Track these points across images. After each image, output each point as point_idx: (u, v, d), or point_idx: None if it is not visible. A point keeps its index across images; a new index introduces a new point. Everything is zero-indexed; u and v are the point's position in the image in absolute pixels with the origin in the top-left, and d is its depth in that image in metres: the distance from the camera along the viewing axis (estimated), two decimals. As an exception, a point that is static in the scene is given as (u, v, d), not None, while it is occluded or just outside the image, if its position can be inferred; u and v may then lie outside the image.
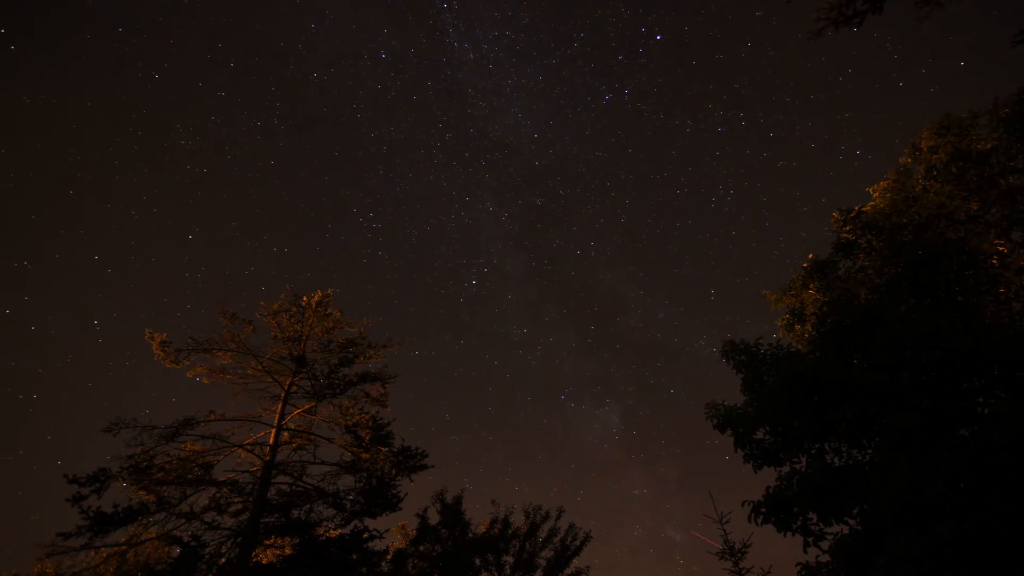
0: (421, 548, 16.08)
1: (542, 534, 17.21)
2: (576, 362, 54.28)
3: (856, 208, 9.81)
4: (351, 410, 13.80)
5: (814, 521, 7.05)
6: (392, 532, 17.85)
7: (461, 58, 48.52)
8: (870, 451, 7.36)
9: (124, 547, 11.45)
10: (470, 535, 16.52)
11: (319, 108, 50.50)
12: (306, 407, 13.74)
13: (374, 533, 12.42)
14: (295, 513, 12.46)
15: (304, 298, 14.02)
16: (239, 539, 11.51)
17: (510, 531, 17.04)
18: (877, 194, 10.04)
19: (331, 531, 12.45)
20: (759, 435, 7.99)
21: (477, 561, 16.12)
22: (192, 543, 10.91)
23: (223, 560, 11.23)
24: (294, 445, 13.79)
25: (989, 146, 8.87)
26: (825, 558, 6.96)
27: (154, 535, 11.47)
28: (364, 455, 13.23)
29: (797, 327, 9.99)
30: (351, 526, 12.54)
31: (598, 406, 49.48)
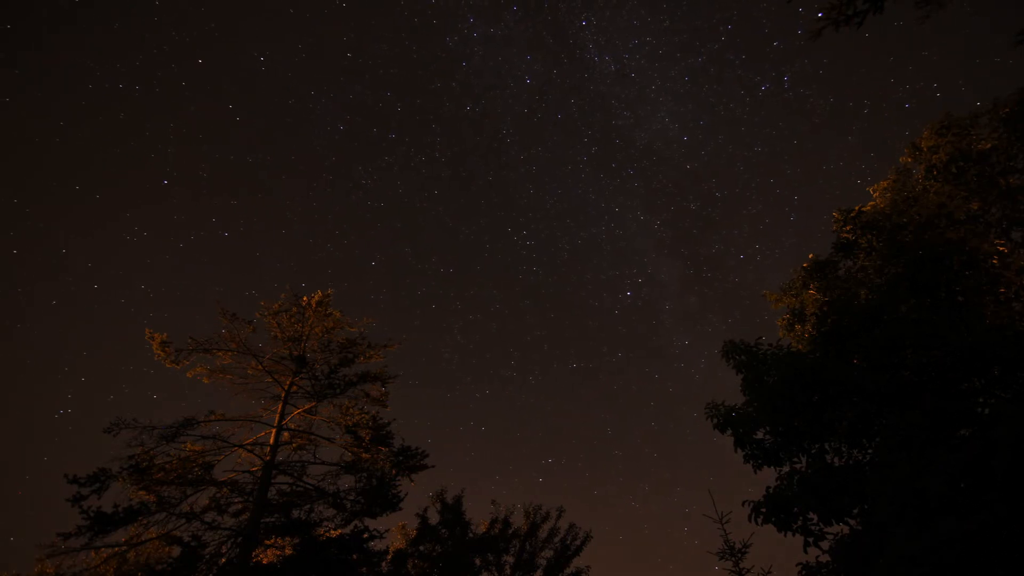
0: (421, 548, 16.08)
1: (542, 534, 17.20)
2: (741, 375, 52.58)
3: (856, 208, 9.81)
4: (351, 410, 13.80)
5: (814, 521, 7.05)
6: (392, 532, 17.87)
7: (602, 71, 48.74)
8: (870, 451, 7.37)
9: (124, 547, 11.45)
10: (470, 535, 16.52)
11: (473, 138, 54.05)
12: (306, 407, 13.74)
13: (374, 533, 12.42)
14: (295, 513, 12.46)
15: (304, 298, 14.02)
16: (239, 539, 11.51)
17: (510, 531, 17.04)
18: (877, 194, 10.04)
19: (331, 531, 12.45)
20: (759, 435, 7.99)
21: (477, 561, 16.12)
22: (192, 543, 10.91)
23: (223, 560, 11.23)
24: (294, 445, 13.79)
25: (989, 146, 8.87)
26: (825, 558, 6.97)
27: (154, 535, 11.47)
28: (364, 455, 13.23)
29: (797, 327, 9.99)
30: (351, 526, 12.55)
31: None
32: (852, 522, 6.92)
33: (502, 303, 48.88)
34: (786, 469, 7.63)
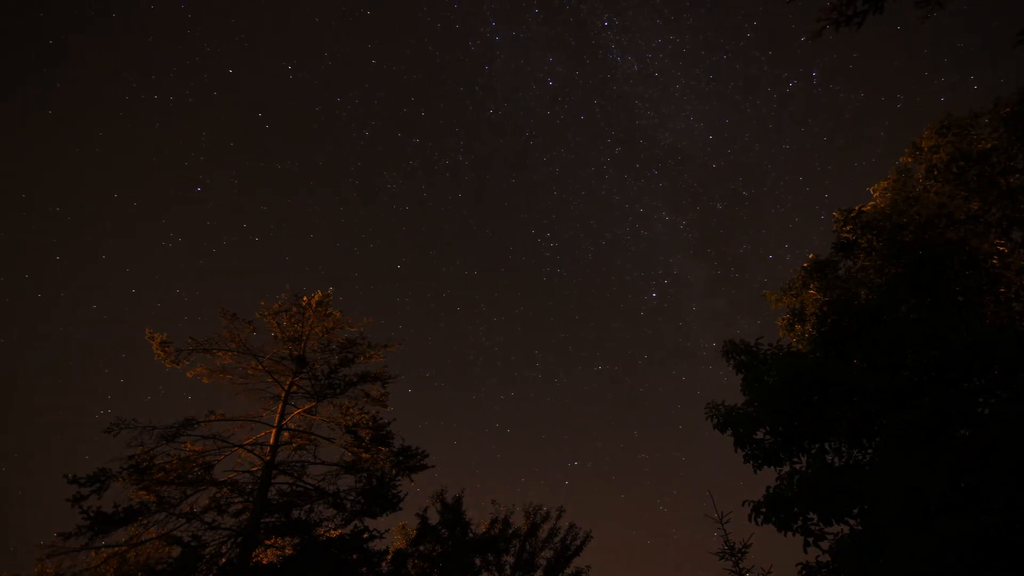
0: (421, 548, 16.07)
1: (542, 534, 17.20)
2: (772, 378, 51.96)
3: (856, 208, 9.81)
4: (351, 410, 13.80)
5: (814, 521, 7.04)
6: (392, 532, 17.86)
7: (625, 71, 48.69)
8: (870, 451, 7.37)
9: (124, 547, 11.46)
10: (470, 535, 16.51)
11: (496, 141, 54.69)
12: (306, 407, 13.75)
13: (374, 533, 12.41)
14: (295, 513, 12.46)
15: (304, 298, 14.02)
16: (239, 539, 11.51)
17: (510, 531, 17.03)
18: (877, 194, 10.04)
19: (331, 531, 12.45)
20: (759, 435, 7.99)
21: (477, 561, 16.12)
22: (192, 543, 10.91)
23: (223, 560, 11.23)
24: (294, 445, 13.79)
25: (990, 146, 8.86)
26: (825, 558, 6.96)
27: (154, 535, 11.47)
28: (364, 455, 13.23)
29: (797, 327, 9.99)
30: (351, 526, 12.55)
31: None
32: (852, 522, 6.91)
33: (526, 305, 49.58)
34: (786, 469, 7.63)
